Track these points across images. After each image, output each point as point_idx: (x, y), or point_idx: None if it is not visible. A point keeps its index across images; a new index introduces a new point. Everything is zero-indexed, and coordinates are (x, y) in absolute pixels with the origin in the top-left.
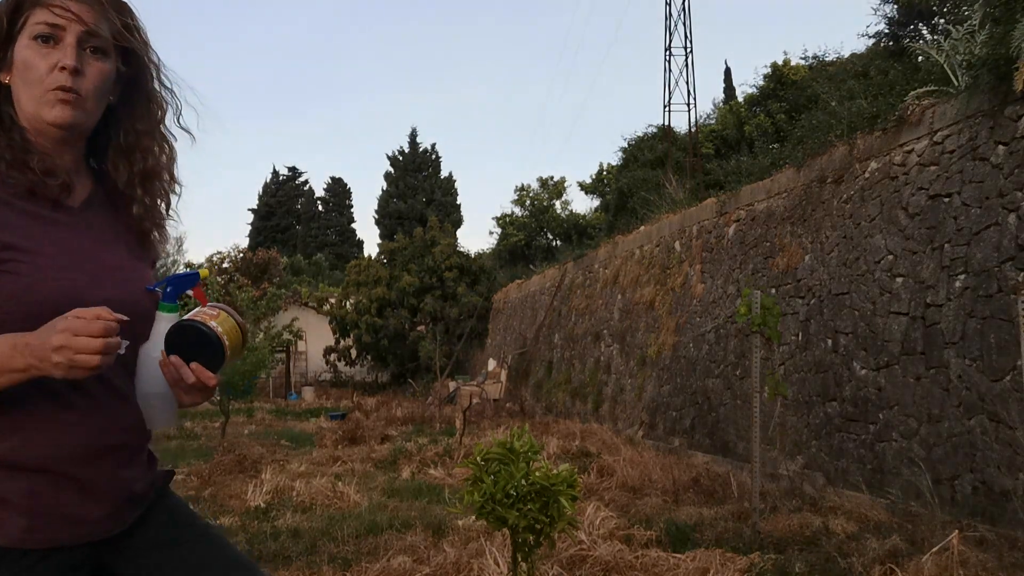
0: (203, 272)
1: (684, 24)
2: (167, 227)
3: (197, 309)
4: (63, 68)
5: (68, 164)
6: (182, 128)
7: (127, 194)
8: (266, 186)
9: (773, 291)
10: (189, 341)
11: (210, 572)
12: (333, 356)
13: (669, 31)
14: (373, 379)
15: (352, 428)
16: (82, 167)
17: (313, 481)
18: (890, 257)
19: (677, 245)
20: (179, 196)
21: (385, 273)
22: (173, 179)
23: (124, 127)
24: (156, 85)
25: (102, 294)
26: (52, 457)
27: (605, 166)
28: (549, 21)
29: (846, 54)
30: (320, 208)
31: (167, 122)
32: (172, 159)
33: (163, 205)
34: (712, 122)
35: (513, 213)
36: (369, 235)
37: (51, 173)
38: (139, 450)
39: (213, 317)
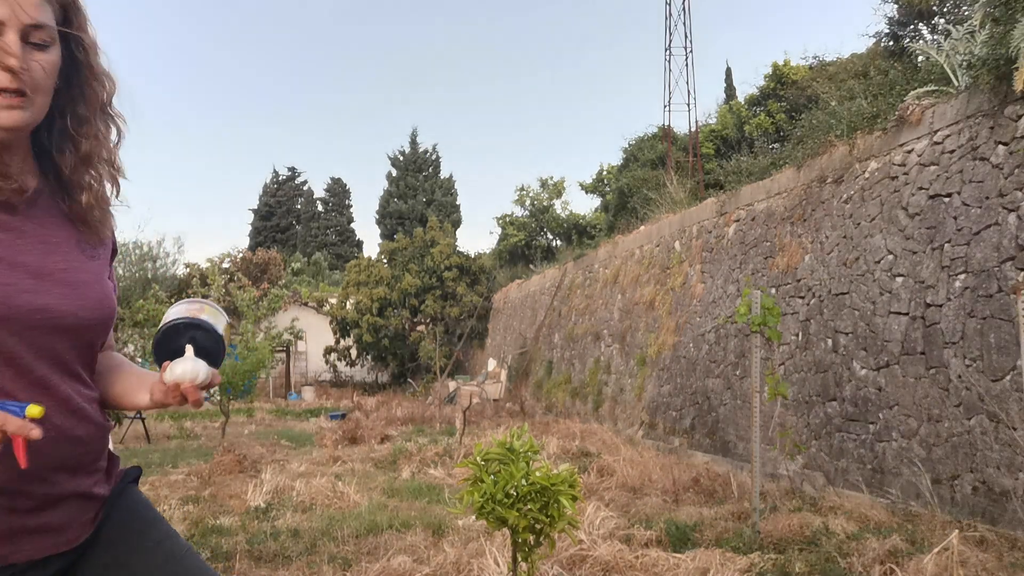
0: (33, 410)
1: (684, 24)
2: (112, 213)
3: (178, 306)
4: (6, 68)
5: (19, 164)
6: (114, 113)
7: (74, 180)
8: (266, 186)
9: (773, 291)
10: (182, 342)
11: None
12: (333, 356)
13: (669, 31)
14: (373, 379)
15: (352, 428)
16: (29, 163)
17: (313, 481)
18: (890, 257)
19: (677, 245)
20: (124, 179)
21: (388, 273)
22: (115, 163)
23: (68, 111)
24: (97, 64)
25: (42, 301)
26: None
27: (605, 166)
28: (549, 21)
29: (846, 54)
30: (320, 208)
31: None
32: (119, 142)
33: (112, 190)
34: (712, 122)
35: (513, 213)
36: (369, 235)
37: (5, 176)
38: (96, 457)
39: (200, 311)
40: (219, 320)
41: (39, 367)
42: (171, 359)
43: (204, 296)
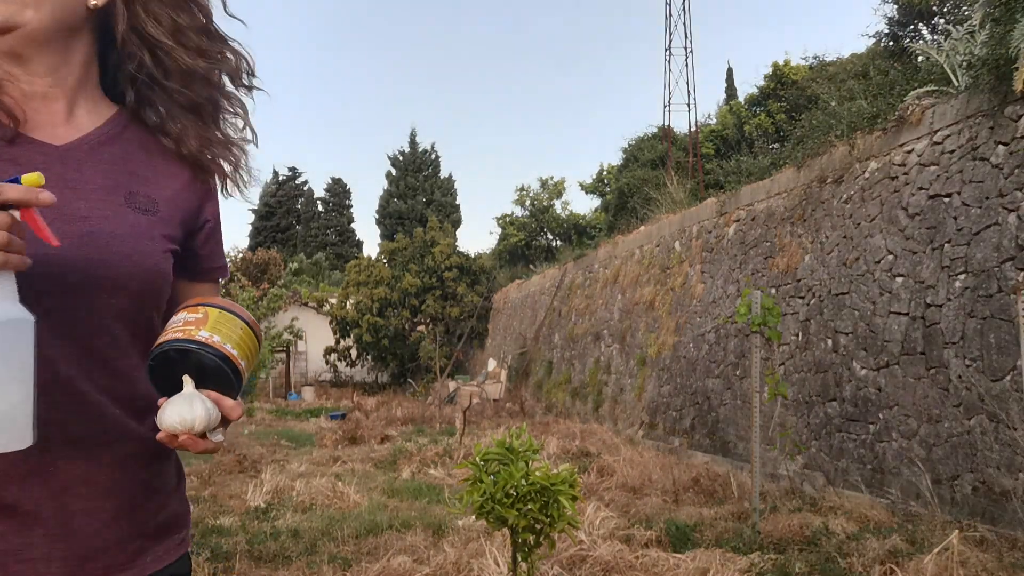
0: (31, 177)
1: (684, 24)
2: (237, 153)
3: (176, 316)
4: None
5: (38, 88)
6: (231, 15)
7: (168, 112)
8: (266, 186)
9: (773, 291)
10: (180, 371)
11: None
12: (333, 356)
13: (669, 31)
14: (373, 379)
15: (352, 428)
16: (84, 97)
17: (313, 481)
18: (890, 257)
19: (677, 245)
20: (246, 112)
21: (388, 273)
22: (234, 92)
23: (151, 29)
24: None
25: (45, 249)
26: None
27: (605, 166)
28: (549, 20)
29: (846, 54)
30: (320, 208)
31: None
32: (237, 64)
33: (225, 126)
34: (712, 122)
35: (513, 213)
36: (369, 235)
37: None
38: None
39: (200, 324)
40: (225, 327)
41: None
42: (170, 390)
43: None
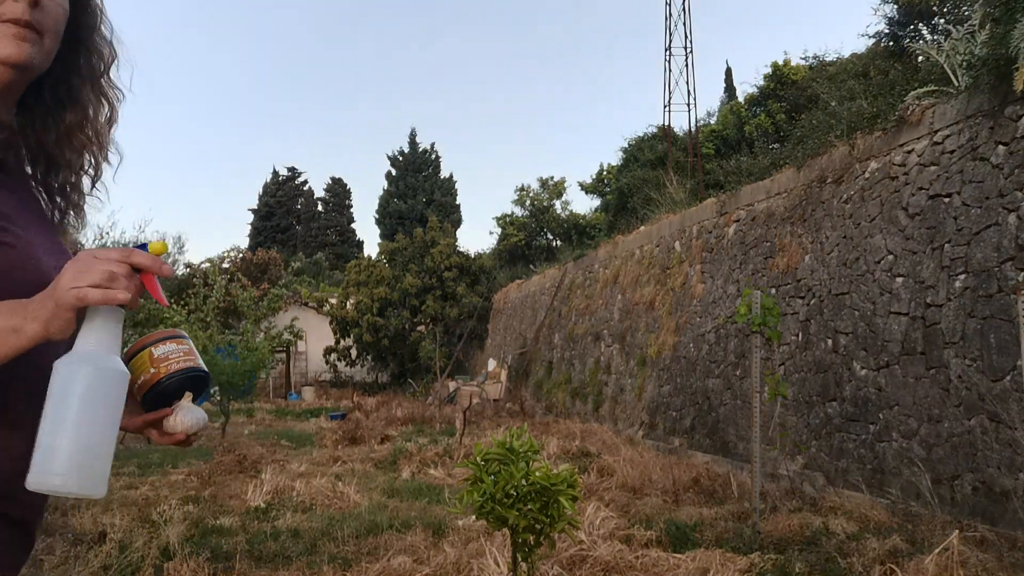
0: (157, 246)
1: (684, 24)
2: (85, 204)
3: (167, 346)
4: None
5: (4, 117)
6: (113, 85)
7: (52, 157)
8: (266, 186)
9: (773, 291)
10: (176, 388)
11: None
12: (333, 356)
13: (669, 31)
14: (373, 379)
15: (352, 428)
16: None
17: (313, 481)
18: (890, 257)
19: (677, 245)
20: (111, 167)
21: (388, 273)
22: (106, 145)
23: (61, 77)
24: (99, 32)
25: (48, 276)
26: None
27: (605, 166)
28: (549, 21)
29: (846, 54)
30: (320, 208)
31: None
32: (111, 121)
33: (89, 176)
34: (712, 122)
35: (513, 213)
36: (369, 235)
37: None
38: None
39: (194, 353)
40: (196, 350)
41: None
42: (161, 403)
43: (205, 297)
